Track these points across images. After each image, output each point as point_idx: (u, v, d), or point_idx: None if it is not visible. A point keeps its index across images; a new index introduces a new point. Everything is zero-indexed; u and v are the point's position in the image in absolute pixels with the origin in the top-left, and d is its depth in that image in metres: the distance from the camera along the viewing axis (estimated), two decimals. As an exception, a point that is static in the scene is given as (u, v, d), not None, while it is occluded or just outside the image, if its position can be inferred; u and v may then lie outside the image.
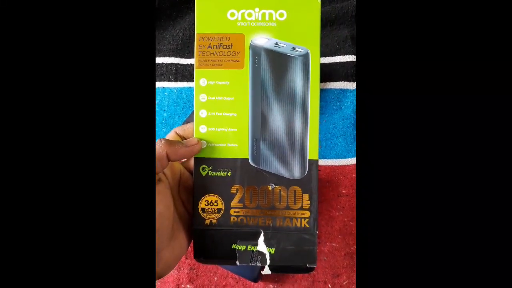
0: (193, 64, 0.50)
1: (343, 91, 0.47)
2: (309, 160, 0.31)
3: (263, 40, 0.30)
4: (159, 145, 0.27)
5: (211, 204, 0.30)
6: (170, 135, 0.32)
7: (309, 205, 0.30)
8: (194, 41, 0.51)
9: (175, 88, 0.48)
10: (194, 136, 0.31)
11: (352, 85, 0.47)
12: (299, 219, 0.30)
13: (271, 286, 0.41)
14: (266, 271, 0.30)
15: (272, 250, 0.30)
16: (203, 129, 0.31)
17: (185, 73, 0.49)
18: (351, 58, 0.47)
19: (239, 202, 0.30)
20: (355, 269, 0.41)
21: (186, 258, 0.42)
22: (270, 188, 0.30)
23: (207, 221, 0.30)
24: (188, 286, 0.41)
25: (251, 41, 0.30)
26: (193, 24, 0.51)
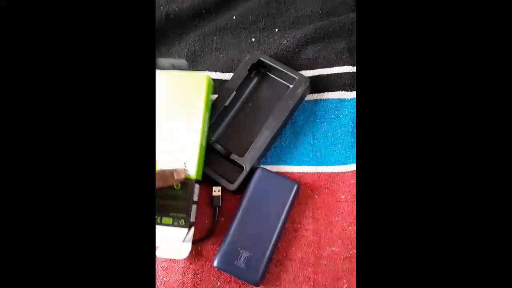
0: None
1: (341, 100, 0.49)
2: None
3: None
4: None
5: None
6: None
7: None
8: (198, 56, 0.54)
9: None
10: None
11: (349, 95, 0.48)
12: None
13: (272, 289, 0.42)
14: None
15: None
16: None
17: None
18: (348, 69, 0.49)
19: None
20: (354, 272, 0.42)
21: (191, 264, 0.44)
22: None
23: None
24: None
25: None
26: (197, 40, 0.54)
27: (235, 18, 0.55)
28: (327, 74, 0.50)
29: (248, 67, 0.49)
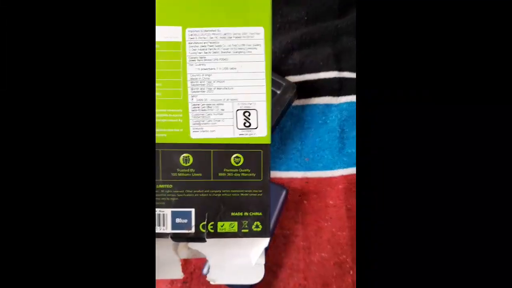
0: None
1: (328, 106, 0.49)
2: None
3: None
4: None
5: None
6: None
7: None
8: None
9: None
10: None
11: (336, 100, 0.49)
12: None
13: (262, 297, 0.42)
14: None
15: None
16: None
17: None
18: (335, 74, 0.50)
19: None
20: (344, 278, 0.42)
21: (179, 272, 0.43)
22: None
23: None
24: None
25: None
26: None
27: (221, 23, 0.55)
28: (314, 80, 0.50)
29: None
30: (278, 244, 0.44)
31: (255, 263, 0.28)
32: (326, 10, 0.54)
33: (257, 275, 0.28)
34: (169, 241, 0.27)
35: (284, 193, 0.44)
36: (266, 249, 0.42)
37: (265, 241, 0.27)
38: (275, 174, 0.47)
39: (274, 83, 0.49)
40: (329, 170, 0.46)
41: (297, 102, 0.50)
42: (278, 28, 0.55)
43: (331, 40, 0.52)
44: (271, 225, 0.43)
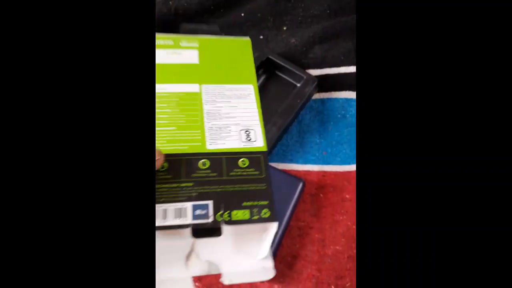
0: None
1: (348, 100, 0.49)
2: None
3: None
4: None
5: None
6: None
7: None
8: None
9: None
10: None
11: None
12: None
13: (276, 286, 0.42)
14: None
15: None
16: None
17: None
18: (355, 69, 0.49)
19: None
20: (358, 271, 0.42)
21: (195, 259, 0.44)
22: None
23: None
24: (196, 284, 0.43)
25: None
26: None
27: (244, 15, 0.55)
28: (334, 74, 0.50)
29: (257, 65, 0.49)
30: (293, 236, 0.44)
31: (263, 266, 0.32)
32: (348, 4, 0.54)
33: (267, 274, 0.32)
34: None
35: (300, 185, 0.44)
36: (280, 243, 0.42)
37: (274, 225, 0.30)
38: (292, 166, 0.47)
39: (295, 76, 0.50)
40: (347, 165, 0.46)
41: (317, 96, 0.50)
42: (300, 22, 0.55)
43: (353, 34, 0.52)
44: (287, 216, 0.43)
